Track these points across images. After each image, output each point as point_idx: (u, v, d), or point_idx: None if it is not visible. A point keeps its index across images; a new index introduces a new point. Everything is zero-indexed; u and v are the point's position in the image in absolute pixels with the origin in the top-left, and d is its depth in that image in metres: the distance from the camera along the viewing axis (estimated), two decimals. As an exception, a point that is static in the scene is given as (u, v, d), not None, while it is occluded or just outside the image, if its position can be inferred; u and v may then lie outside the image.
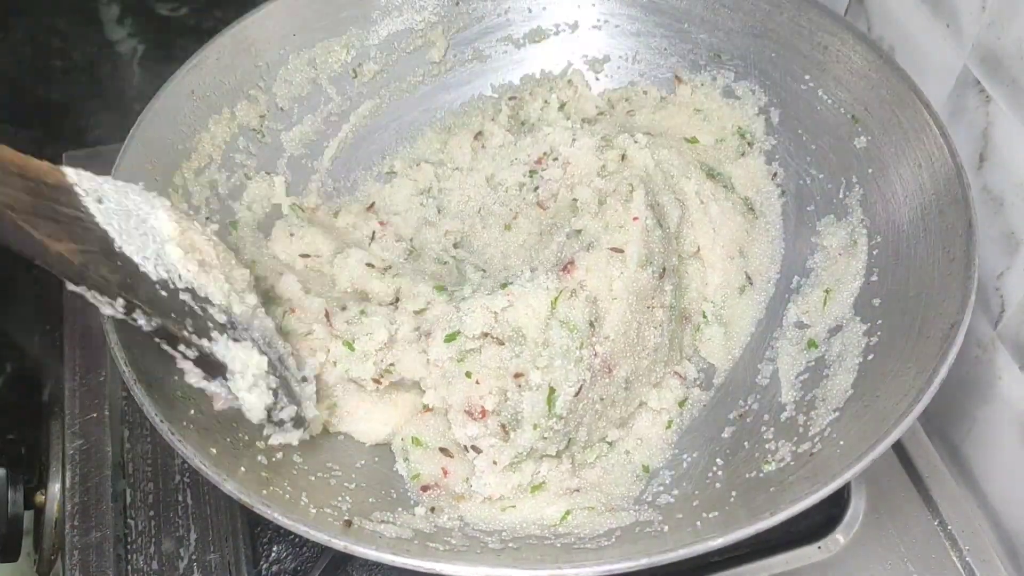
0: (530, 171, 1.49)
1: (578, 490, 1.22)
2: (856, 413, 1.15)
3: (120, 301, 1.07)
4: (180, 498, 1.38)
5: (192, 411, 1.16)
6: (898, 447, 1.43)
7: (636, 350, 1.27)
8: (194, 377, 1.15)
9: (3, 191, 1.01)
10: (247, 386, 1.15)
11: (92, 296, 1.06)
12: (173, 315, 1.11)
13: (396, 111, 1.61)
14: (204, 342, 1.13)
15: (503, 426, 1.23)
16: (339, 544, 1.01)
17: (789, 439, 1.20)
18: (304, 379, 1.26)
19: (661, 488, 1.24)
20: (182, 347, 1.12)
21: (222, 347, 1.14)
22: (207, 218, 1.38)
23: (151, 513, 1.37)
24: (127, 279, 1.08)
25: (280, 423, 1.19)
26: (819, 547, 1.34)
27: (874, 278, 1.29)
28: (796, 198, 1.46)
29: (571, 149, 1.45)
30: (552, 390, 1.22)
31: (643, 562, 0.99)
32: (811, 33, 1.42)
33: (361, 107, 1.59)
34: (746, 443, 1.24)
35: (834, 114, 1.40)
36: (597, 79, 1.62)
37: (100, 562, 1.32)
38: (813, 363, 1.29)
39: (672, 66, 1.58)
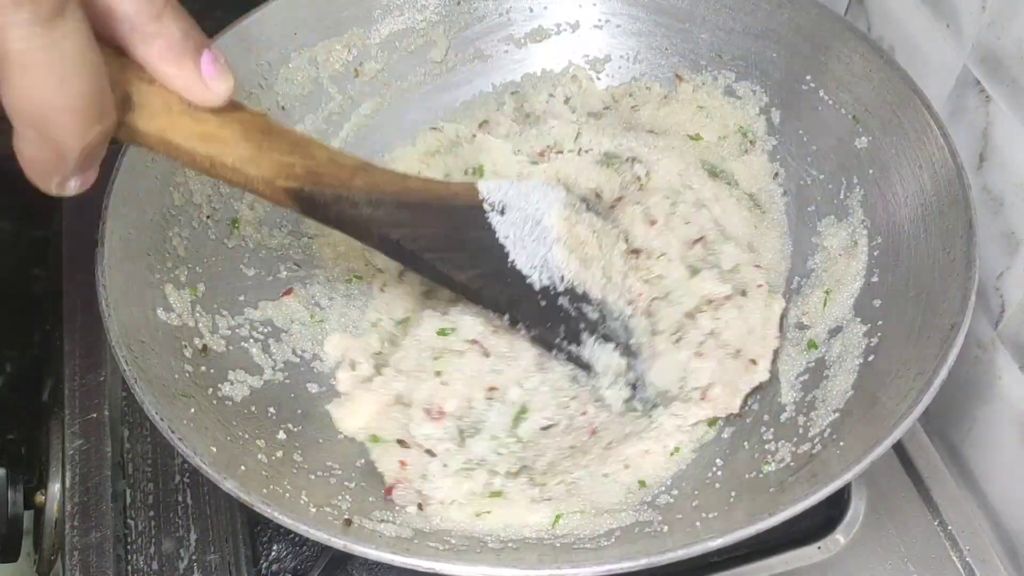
0: (531, 162, 1.49)
1: (551, 499, 1.21)
2: (856, 414, 1.15)
3: (506, 317, 1.24)
4: (180, 498, 1.38)
5: (192, 410, 1.15)
6: (898, 447, 1.42)
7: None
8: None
9: (426, 232, 1.16)
10: (607, 384, 1.27)
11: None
12: (549, 324, 1.25)
13: (398, 110, 1.61)
14: (572, 347, 1.26)
15: (461, 431, 1.25)
16: (339, 543, 1.01)
17: (789, 440, 1.20)
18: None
19: (661, 488, 1.24)
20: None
21: (588, 350, 1.27)
22: (207, 216, 1.38)
23: (151, 513, 1.37)
24: (515, 295, 1.23)
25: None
26: (819, 547, 1.34)
27: (874, 279, 1.29)
28: (797, 198, 1.46)
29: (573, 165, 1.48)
30: (524, 410, 1.24)
31: (643, 562, 0.98)
32: (812, 34, 1.42)
33: (362, 106, 1.58)
34: (745, 444, 1.24)
35: (835, 115, 1.40)
36: (599, 79, 1.62)
37: (100, 562, 1.32)
38: (813, 364, 1.28)
39: (673, 66, 1.57)
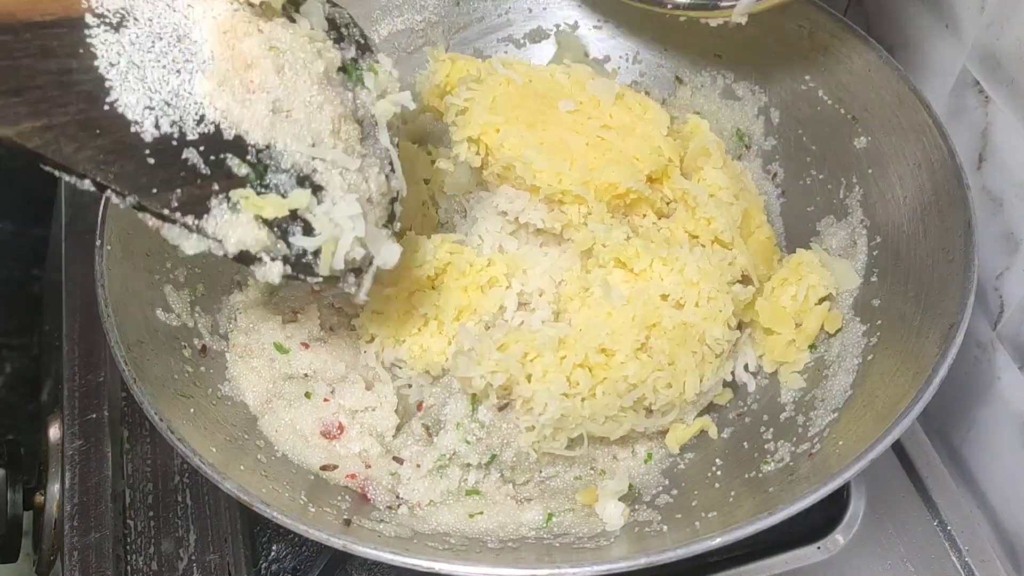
0: None
1: (531, 499, 1.22)
2: (855, 413, 1.15)
3: (87, 182, 0.92)
4: (179, 499, 1.38)
5: (192, 410, 1.16)
6: (898, 447, 1.42)
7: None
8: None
9: None
10: (260, 272, 1.01)
11: (58, 174, 0.91)
12: (155, 189, 0.94)
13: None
14: (190, 219, 0.96)
15: (426, 427, 1.26)
16: (338, 543, 1.01)
17: (788, 439, 1.20)
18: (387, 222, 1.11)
19: (660, 488, 1.24)
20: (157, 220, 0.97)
21: (216, 221, 0.98)
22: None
23: (150, 514, 1.37)
24: (104, 150, 0.92)
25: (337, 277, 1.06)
26: (819, 547, 1.34)
27: (873, 279, 1.29)
28: (796, 198, 1.46)
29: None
30: (475, 396, 1.25)
31: (642, 561, 0.99)
32: (811, 34, 1.42)
33: (362, 107, 1.58)
34: (745, 443, 1.24)
35: (834, 114, 1.40)
36: (598, 79, 1.62)
37: (99, 563, 1.31)
38: (812, 364, 1.29)
39: (672, 66, 1.58)
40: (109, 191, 0.92)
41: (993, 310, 1.37)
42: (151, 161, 0.94)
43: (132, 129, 0.93)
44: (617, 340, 1.20)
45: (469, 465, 1.23)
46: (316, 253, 1.03)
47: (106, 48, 0.93)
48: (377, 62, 1.17)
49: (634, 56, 1.59)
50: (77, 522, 1.34)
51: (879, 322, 1.24)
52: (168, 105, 0.95)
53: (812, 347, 1.30)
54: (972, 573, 1.33)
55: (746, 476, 1.18)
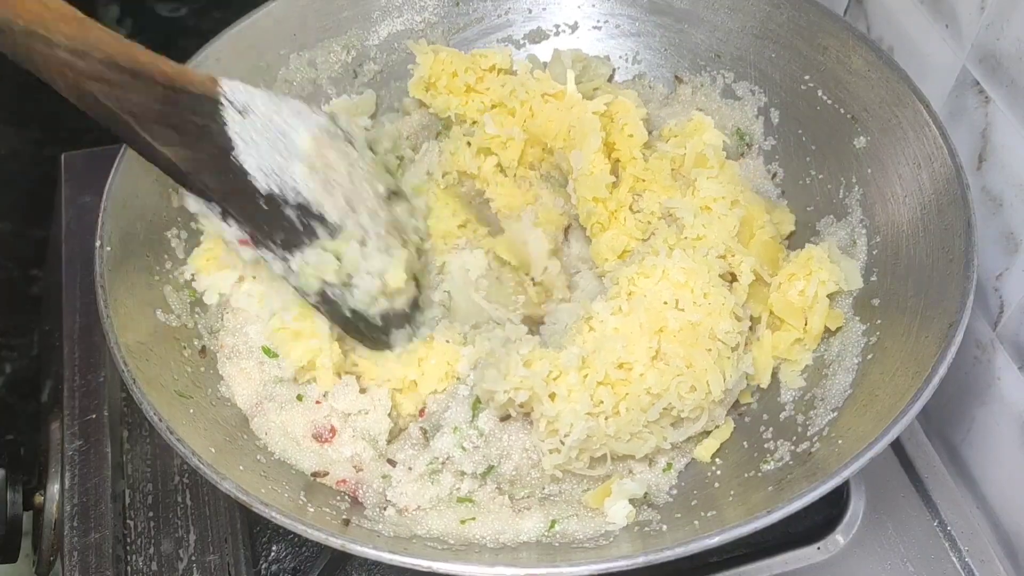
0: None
1: (529, 508, 1.20)
2: (854, 413, 1.15)
3: (216, 208, 1.16)
4: (179, 499, 1.38)
5: (191, 410, 1.16)
6: (898, 448, 1.42)
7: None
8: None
9: (134, 98, 1.08)
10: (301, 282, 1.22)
11: (193, 198, 1.16)
12: (266, 226, 1.18)
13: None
14: (286, 253, 1.21)
15: (424, 431, 1.26)
16: (336, 543, 1.01)
17: (788, 439, 1.20)
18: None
19: (663, 489, 1.24)
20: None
21: (301, 257, 1.21)
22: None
23: (150, 514, 1.37)
24: (230, 188, 1.15)
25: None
26: (818, 548, 1.34)
27: (873, 278, 1.29)
28: (796, 198, 1.46)
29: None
30: (478, 401, 1.24)
31: (640, 560, 0.98)
32: (811, 34, 1.41)
33: (362, 107, 1.59)
34: (744, 443, 1.24)
35: (834, 114, 1.40)
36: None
37: (99, 563, 1.32)
38: (812, 363, 1.29)
39: (672, 66, 1.57)
40: (231, 218, 1.17)
41: (993, 310, 1.37)
42: (264, 207, 1.17)
43: (249, 179, 1.16)
44: (632, 351, 1.20)
45: (463, 473, 1.22)
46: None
47: (233, 122, 1.15)
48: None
49: (634, 56, 1.59)
50: (77, 522, 1.35)
51: (879, 321, 1.24)
52: (276, 174, 1.17)
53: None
54: (972, 573, 1.33)
55: (745, 475, 1.18)
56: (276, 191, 1.17)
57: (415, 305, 1.36)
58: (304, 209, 1.19)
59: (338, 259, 1.23)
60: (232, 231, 1.18)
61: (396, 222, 1.35)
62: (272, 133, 1.19)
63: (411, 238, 1.38)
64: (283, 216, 1.18)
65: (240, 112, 1.16)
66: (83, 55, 1.05)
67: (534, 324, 1.38)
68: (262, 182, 1.16)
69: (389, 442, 1.26)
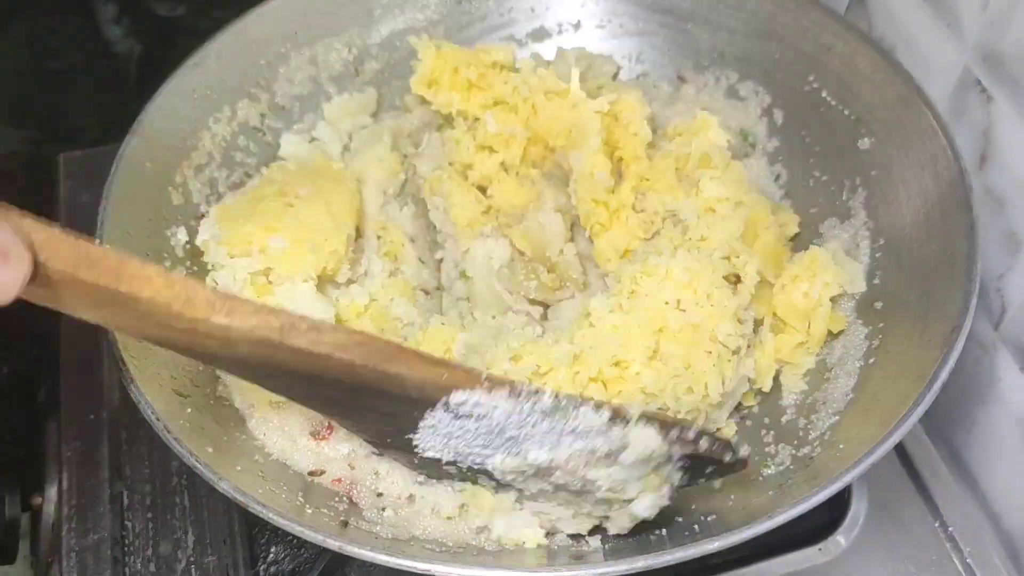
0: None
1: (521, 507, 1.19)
2: (856, 417, 1.15)
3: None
4: (178, 500, 1.38)
5: (189, 410, 1.15)
6: (899, 449, 1.42)
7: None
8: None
9: (328, 396, 1.05)
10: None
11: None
12: (437, 472, 1.15)
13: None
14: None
15: None
16: (334, 544, 1.00)
17: (789, 443, 1.20)
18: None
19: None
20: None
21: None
22: (204, 217, 1.38)
23: (148, 515, 1.36)
24: (408, 456, 1.13)
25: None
26: (820, 549, 1.33)
27: (876, 281, 1.29)
28: (799, 200, 1.45)
29: None
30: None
31: (639, 564, 0.98)
32: (815, 34, 1.41)
33: (362, 106, 1.58)
34: (746, 446, 1.24)
35: (837, 116, 1.40)
36: (601, 78, 1.62)
37: (97, 565, 1.31)
38: (815, 367, 1.29)
39: (676, 66, 1.57)
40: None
41: (995, 311, 1.36)
42: (416, 462, 1.14)
43: (413, 448, 1.10)
44: (629, 349, 1.19)
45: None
46: None
47: (433, 418, 1.06)
48: None
49: (637, 56, 1.59)
50: (75, 524, 1.34)
51: (881, 325, 1.24)
52: (461, 458, 1.10)
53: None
54: (974, 574, 1.32)
55: (746, 479, 1.17)
56: (446, 459, 1.10)
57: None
58: (476, 469, 1.11)
59: None
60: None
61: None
62: (474, 436, 1.07)
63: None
64: (439, 467, 1.13)
65: (454, 415, 1.05)
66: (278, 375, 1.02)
67: (544, 309, 1.38)
68: (430, 454, 1.10)
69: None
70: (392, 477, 1.20)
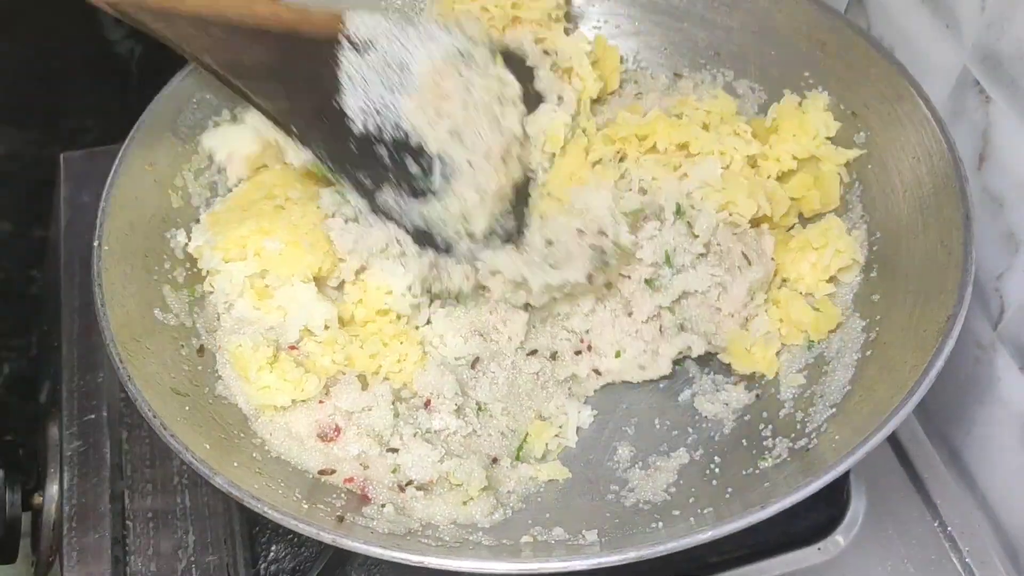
0: None
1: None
2: (852, 408, 1.15)
3: (307, 152, 1.26)
4: (178, 500, 1.38)
5: (187, 407, 1.16)
6: (898, 448, 1.42)
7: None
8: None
9: (247, 60, 1.20)
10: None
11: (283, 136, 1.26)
12: (351, 165, 1.27)
13: (397, 111, 1.61)
14: (370, 187, 1.28)
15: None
16: (328, 538, 1.01)
17: (787, 436, 1.20)
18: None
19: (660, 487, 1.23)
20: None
21: (384, 196, 1.28)
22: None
23: (149, 515, 1.37)
24: (325, 133, 1.24)
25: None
26: (819, 548, 1.34)
27: (873, 274, 1.29)
28: (796, 196, 1.45)
29: None
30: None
31: (631, 555, 0.98)
32: (810, 30, 1.42)
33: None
34: (744, 440, 1.24)
35: (833, 111, 1.40)
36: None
37: (98, 564, 1.32)
38: (812, 360, 1.29)
39: (673, 65, 1.57)
40: (317, 159, 1.26)
41: (994, 311, 1.36)
42: (354, 148, 1.25)
43: (346, 122, 1.24)
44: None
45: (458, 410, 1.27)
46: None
47: (348, 63, 1.24)
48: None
49: (634, 55, 1.59)
50: (76, 523, 1.35)
51: (878, 317, 1.24)
52: (377, 113, 1.25)
53: (811, 345, 1.30)
54: (972, 574, 1.32)
55: (744, 473, 1.18)
56: (372, 129, 1.24)
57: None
58: (399, 143, 1.26)
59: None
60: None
61: (508, 152, 1.35)
62: (389, 68, 1.25)
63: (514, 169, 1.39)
64: (373, 155, 1.25)
65: (359, 50, 1.23)
66: (203, 27, 1.15)
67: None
68: (359, 123, 1.24)
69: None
70: (414, 464, 1.21)
